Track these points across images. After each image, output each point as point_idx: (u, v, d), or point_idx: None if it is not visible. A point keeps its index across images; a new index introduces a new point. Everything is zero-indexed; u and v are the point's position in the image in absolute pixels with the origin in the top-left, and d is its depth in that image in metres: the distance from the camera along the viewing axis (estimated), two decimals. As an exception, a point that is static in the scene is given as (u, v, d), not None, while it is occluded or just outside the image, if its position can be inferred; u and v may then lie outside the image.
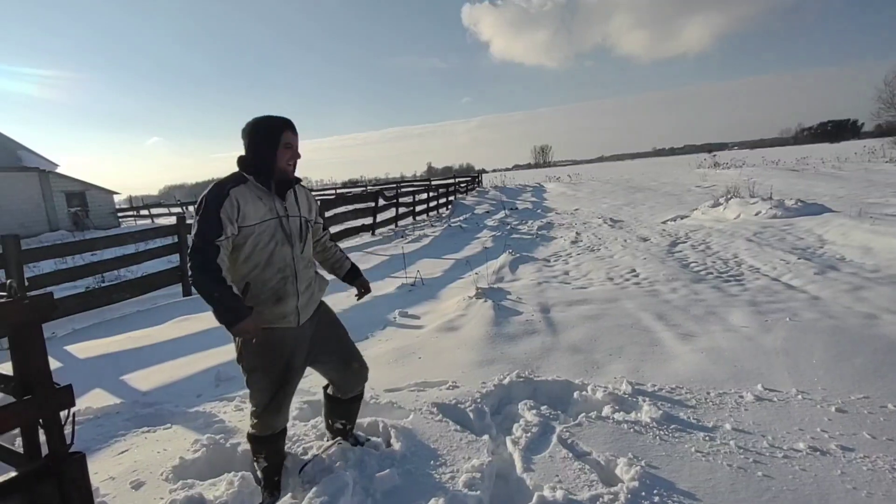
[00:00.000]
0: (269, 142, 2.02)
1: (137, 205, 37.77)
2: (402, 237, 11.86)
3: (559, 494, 2.03)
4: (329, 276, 2.46)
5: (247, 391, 2.14)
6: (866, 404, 2.69)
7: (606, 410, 2.75)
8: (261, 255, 2.01)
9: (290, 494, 2.16)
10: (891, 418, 2.53)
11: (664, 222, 11.27)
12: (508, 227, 12.51)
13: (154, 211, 35.16)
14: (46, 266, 9.83)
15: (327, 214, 10.56)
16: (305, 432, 2.66)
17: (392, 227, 14.19)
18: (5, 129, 27.33)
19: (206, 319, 5.01)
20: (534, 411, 2.79)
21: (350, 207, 12.27)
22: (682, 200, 15.55)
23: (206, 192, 1.97)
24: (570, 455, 2.33)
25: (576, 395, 2.98)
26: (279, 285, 2.04)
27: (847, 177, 18.15)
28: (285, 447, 2.31)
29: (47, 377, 1.52)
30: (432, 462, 2.35)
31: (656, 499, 2.00)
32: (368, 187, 30.54)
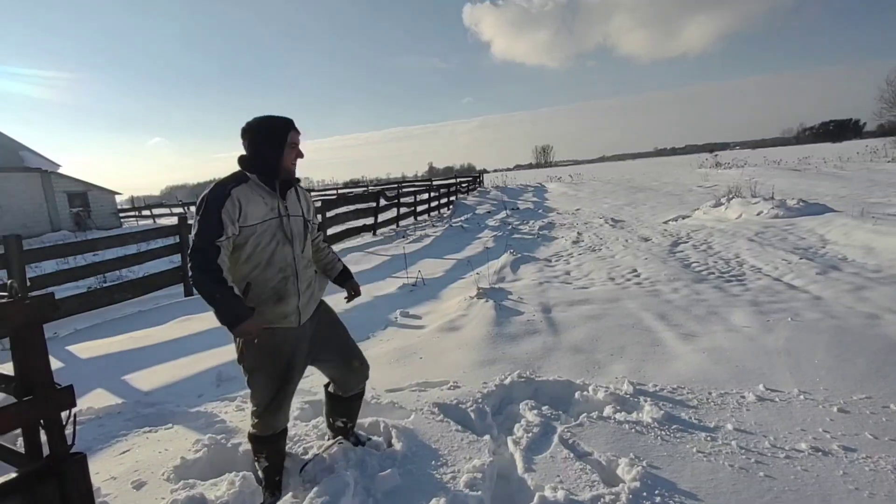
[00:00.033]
0: (276, 141, 2.02)
1: (139, 205, 37.82)
2: (404, 237, 11.86)
3: (560, 495, 2.03)
4: None
5: (248, 391, 2.14)
6: (868, 404, 2.68)
7: (608, 410, 2.74)
8: (262, 254, 2.01)
9: (290, 494, 2.16)
10: (893, 418, 2.53)
11: (666, 222, 11.25)
12: (510, 227, 12.50)
13: (156, 211, 35.24)
14: (48, 266, 9.85)
15: (329, 214, 10.56)
16: (306, 432, 2.66)
17: (393, 227, 14.19)
18: (6, 129, 27.38)
19: (208, 319, 5.01)
20: (535, 411, 2.78)
21: (351, 207, 12.27)
22: (683, 200, 15.52)
23: (206, 191, 1.97)
24: (572, 455, 2.32)
25: (577, 395, 2.97)
26: (280, 285, 2.04)
27: (849, 176, 18.12)
28: (286, 447, 2.31)
29: (48, 377, 1.52)
30: (433, 462, 2.35)
31: (658, 499, 1.99)
32: (370, 187, 30.56)
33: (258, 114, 2.40)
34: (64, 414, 1.54)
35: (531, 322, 4.42)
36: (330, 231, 10.70)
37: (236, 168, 2.06)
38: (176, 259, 7.30)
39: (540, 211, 16.87)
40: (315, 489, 2.07)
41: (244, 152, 2.06)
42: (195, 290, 1.93)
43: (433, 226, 14.29)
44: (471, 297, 5.25)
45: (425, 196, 17.64)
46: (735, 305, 4.54)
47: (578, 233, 10.12)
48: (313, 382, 3.31)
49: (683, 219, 11.51)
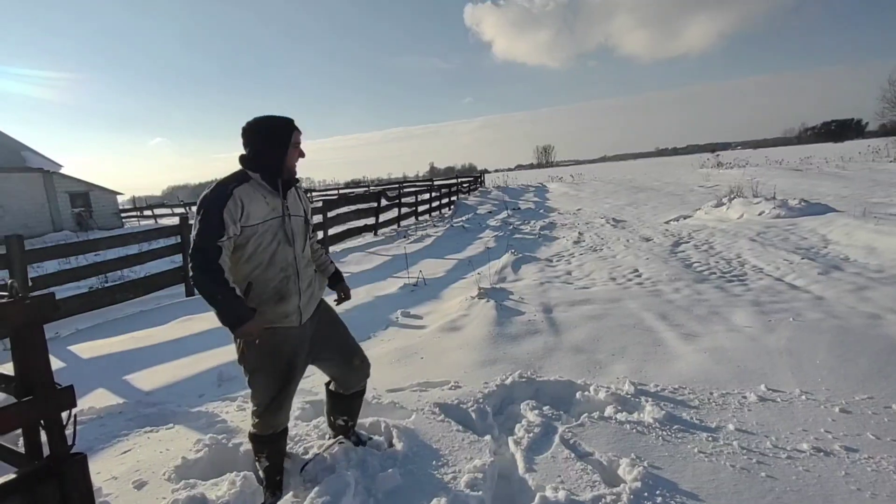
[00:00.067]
0: (280, 141, 2.03)
1: (141, 205, 37.90)
2: (405, 237, 11.87)
3: (561, 495, 2.02)
4: None
5: (249, 391, 2.14)
6: (870, 405, 2.67)
7: (609, 411, 2.74)
8: (263, 254, 2.00)
9: (291, 494, 2.16)
10: (895, 419, 2.52)
11: (667, 222, 11.23)
12: (511, 227, 12.50)
13: (157, 211, 35.29)
14: (50, 266, 9.88)
15: (330, 214, 10.56)
16: (307, 432, 2.66)
17: (394, 227, 14.20)
18: (6, 129, 27.43)
19: (209, 319, 5.02)
20: (536, 411, 2.78)
21: (353, 208, 12.28)
22: (685, 200, 15.50)
23: (207, 191, 1.97)
24: (573, 455, 2.32)
25: (578, 395, 2.97)
26: (282, 284, 2.04)
27: (851, 176, 18.07)
28: (287, 447, 2.31)
29: (48, 377, 1.52)
30: (434, 462, 2.34)
31: (659, 499, 1.99)
32: (371, 187, 30.57)
33: (258, 114, 2.40)
34: (64, 414, 1.54)
35: (532, 322, 4.41)
36: (331, 231, 10.70)
37: (237, 168, 2.06)
38: (177, 259, 7.31)
39: (541, 211, 16.86)
40: (316, 489, 2.07)
41: (245, 151, 2.06)
42: (196, 291, 1.93)
43: (434, 226, 14.29)
44: (472, 297, 5.24)
45: (426, 196, 17.64)
46: (736, 305, 4.53)
47: (580, 233, 10.11)
48: (314, 382, 3.32)
49: (685, 219, 11.50)
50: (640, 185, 22.50)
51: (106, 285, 7.26)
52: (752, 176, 18.47)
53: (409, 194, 17.27)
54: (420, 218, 16.47)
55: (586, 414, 2.70)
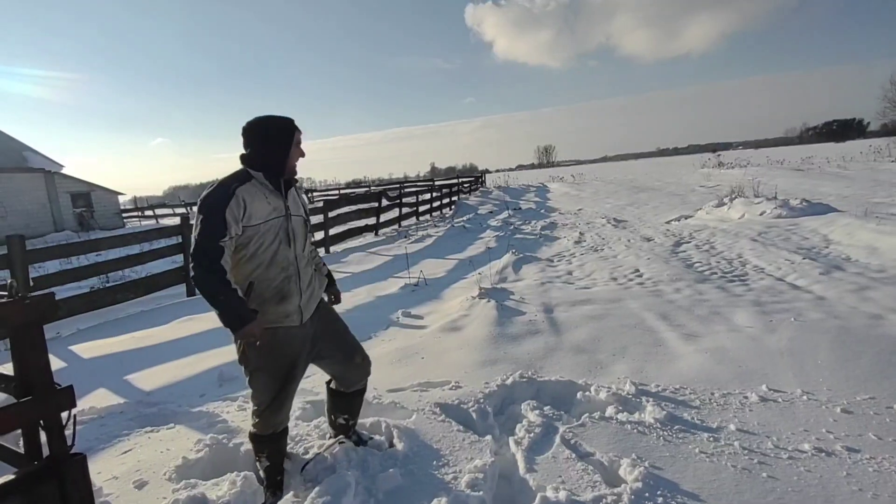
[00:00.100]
0: (283, 140, 2.04)
1: (142, 205, 37.97)
2: (406, 237, 11.87)
3: (562, 495, 2.02)
4: None
5: (250, 391, 2.14)
6: (872, 405, 2.66)
7: (610, 411, 2.73)
8: (265, 254, 2.00)
9: (292, 493, 2.16)
10: (897, 419, 2.51)
11: (668, 222, 11.22)
12: (512, 227, 12.49)
13: (158, 211, 35.38)
14: (52, 266, 9.90)
15: (331, 214, 10.57)
16: (308, 432, 2.66)
17: (395, 227, 14.20)
18: (7, 129, 27.48)
19: (210, 319, 5.02)
20: (537, 412, 2.77)
21: (354, 208, 12.29)
22: (686, 200, 15.48)
23: (208, 190, 1.96)
24: (574, 456, 2.32)
25: (579, 395, 2.96)
26: (283, 284, 2.04)
27: (852, 176, 18.04)
28: (288, 447, 2.31)
29: (48, 378, 1.52)
30: (435, 462, 2.34)
31: (660, 500, 1.98)
32: (372, 187, 30.58)
33: (258, 114, 2.40)
34: (64, 414, 1.54)
35: (533, 322, 4.41)
36: (332, 231, 10.71)
37: (238, 168, 2.06)
38: (178, 259, 7.32)
39: (542, 211, 16.85)
40: (316, 489, 2.07)
41: (246, 151, 2.06)
42: (197, 291, 1.92)
43: (435, 226, 14.29)
44: (473, 297, 5.24)
45: (427, 196, 17.65)
46: (738, 306, 4.52)
47: (580, 233, 10.10)
48: (315, 382, 3.31)
49: (686, 219, 11.48)
50: (641, 185, 22.49)
51: (107, 285, 7.27)
52: (754, 176, 18.44)
53: (410, 194, 17.28)
54: (421, 218, 16.47)
55: (587, 414, 2.69)
